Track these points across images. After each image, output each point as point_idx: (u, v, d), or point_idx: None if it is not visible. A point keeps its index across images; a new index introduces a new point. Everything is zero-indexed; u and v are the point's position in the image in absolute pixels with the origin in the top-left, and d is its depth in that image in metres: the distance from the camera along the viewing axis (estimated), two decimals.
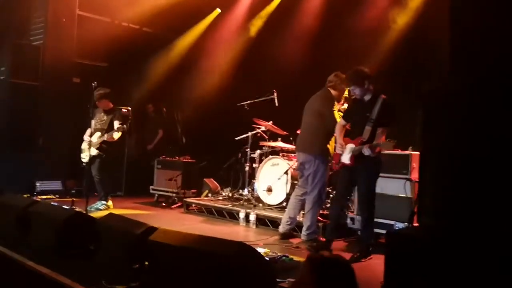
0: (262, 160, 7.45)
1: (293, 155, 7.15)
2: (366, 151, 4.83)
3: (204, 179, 8.59)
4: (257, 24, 10.05)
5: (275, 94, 7.56)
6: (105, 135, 7.19)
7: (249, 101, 7.83)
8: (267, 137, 7.85)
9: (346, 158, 5.07)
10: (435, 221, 3.15)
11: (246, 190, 7.74)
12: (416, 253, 2.84)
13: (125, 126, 7.31)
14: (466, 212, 2.95)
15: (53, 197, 8.30)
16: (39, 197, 8.00)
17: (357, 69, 5.13)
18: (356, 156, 4.96)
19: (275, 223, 6.36)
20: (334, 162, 5.34)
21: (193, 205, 7.82)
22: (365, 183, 5.07)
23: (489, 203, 2.87)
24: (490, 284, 2.49)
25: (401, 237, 3.14)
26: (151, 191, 8.79)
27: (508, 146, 2.85)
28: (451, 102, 3.14)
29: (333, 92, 5.74)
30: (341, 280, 2.04)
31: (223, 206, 7.28)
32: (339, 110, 5.70)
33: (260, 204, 7.20)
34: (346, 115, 5.37)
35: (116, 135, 7.22)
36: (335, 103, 5.69)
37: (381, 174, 5.69)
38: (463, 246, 2.70)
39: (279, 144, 7.56)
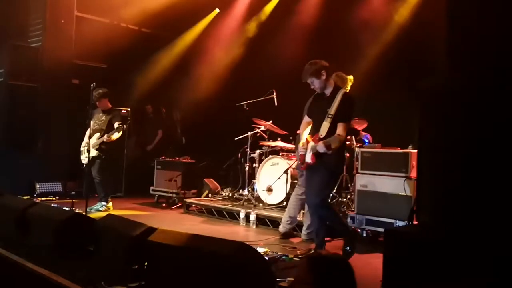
0: (262, 160, 7.45)
1: (292, 154, 7.14)
2: (320, 148, 4.65)
3: (204, 180, 8.58)
4: (255, 24, 10.05)
5: (275, 93, 7.56)
6: (104, 136, 7.18)
7: (248, 101, 7.83)
8: (266, 137, 7.85)
9: (308, 157, 4.82)
10: (433, 219, 3.15)
11: (246, 190, 7.73)
12: (414, 250, 2.83)
13: (124, 126, 7.31)
14: (464, 210, 2.95)
15: (53, 198, 8.31)
16: (39, 198, 8.00)
17: (314, 61, 4.91)
18: (316, 154, 4.74)
19: (275, 222, 6.35)
20: (300, 162, 5.13)
21: (193, 205, 7.82)
22: (319, 180, 4.79)
23: (487, 201, 2.86)
24: (487, 281, 2.48)
25: (399, 235, 3.13)
26: (151, 192, 8.79)
27: (506, 145, 2.85)
28: (448, 100, 3.14)
29: None
30: (340, 279, 2.03)
31: (223, 206, 7.28)
32: None
33: (260, 204, 7.20)
34: (308, 111, 5.15)
35: (115, 136, 7.22)
36: None
37: (381, 173, 5.71)
38: (460, 243, 2.70)
39: (279, 143, 7.55)
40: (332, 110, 4.73)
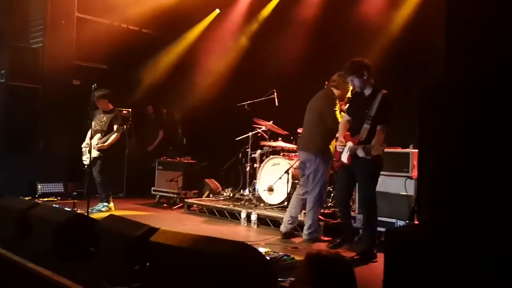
0: (263, 160, 7.45)
1: (293, 154, 7.14)
2: (360, 153, 4.63)
3: (205, 180, 8.59)
4: (256, 24, 10.05)
5: (275, 93, 7.57)
6: (98, 142, 7.22)
7: (249, 101, 7.85)
8: (267, 137, 7.85)
9: (344, 157, 4.89)
10: (434, 219, 3.15)
11: (247, 190, 7.74)
12: (415, 250, 2.84)
13: (124, 127, 7.34)
14: (465, 210, 2.95)
15: (55, 199, 8.32)
16: (40, 199, 8.00)
17: (356, 59, 4.93)
18: (353, 155, 4.78)
19: (276, 222, 6.36)
20: (335, 159, 5.17)
21: (194, 205, 7.83)
22: (362, 184, 4.92)
23: (487, 201, 2.87)
24: (488, 281, 2.49)
25: (400, 234, 3.14)
26: (153, 192, 8.81)
27: (506, 143, 2.85)
28: (448, 100, 3.14)
29: (335, 91, 5.72)
30: (339, 278, 2.03)
31: (224, 207, 7.28)
32: (341, 111, 5.66)
33: (261, 204, 7.20)
34: (349, 110, 5.21)
35: (109, 141, 7.25)
36: (337, 102, 5.66)
37: (382, 172, 5.69)
38: (461, 243, 2.70)
39: (280, 143, 7.56)
40: (372, 112, 4.72)
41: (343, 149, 4.94)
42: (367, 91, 4.91)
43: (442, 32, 3.30)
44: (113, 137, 7.27)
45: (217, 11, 10.42)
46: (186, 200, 7.98)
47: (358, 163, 4.78)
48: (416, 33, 7.18)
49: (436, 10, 5.00)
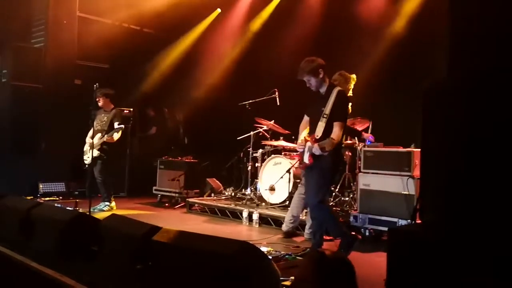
0: (265, 159, 7.46)
1: (295, 154, 7.15)
2: (315, 150, 4.63)
3: (207, 179, 8.61)
4: (258, 23, 10.06)
5: (277, 93, 7.58)
6: (105, 136, 7.22)
7: (250, 101, 7.85)
8: (269, 136, 7.86)
9: (306, 158, 4.81)
10: (436, 218, 3.15)
11: (248, 189, 7.75)
12: (417, 250, 2.84)
13: (123, 126, 7.34)
14: (467, 209, 2.95)
15: (57, 198, 8.35)
16: (42, 198, 8.03)
17: (310, 58, 4.89)
18: (313, 154, 4.72)
19: (278, 222, 6.37)
20: (298, 162, 5.10)
21: (196, 205, 7.84)
22: (313, 179, 4.81)
23: (489, 200, 2.87)
24: (488, 281, 2.49)
25: (403, 234, 3.14)
26: (154, 192, 8.82)
27: (509, 144, 2.85)
28: (451, 99, 3.14)
29: None
30: (341, 278, 2.04)
31: (226, 206, 7.30)
32: None
33: (263, 203, 7.21)
34: (307, 110, 5.13)
35: (116, 136, 7.26)
36: None
37: (383, 172, 5.72)
38: (463, 243, 2.70)
39: (281, 143, 7.57)
40: (327, 110, 4.69)
41: (303, 149, 4.87)
42: (323, 89, 4.87)
43: (446, 31, 3.30)
44: (117, 135, 7.28)
45: (218, 10, 10.42)
46: (187, 199, 7.99)
47: (318, 162, 4.72)
48: (420, 32, 7.18)
49: (440, 9, 4.99)
